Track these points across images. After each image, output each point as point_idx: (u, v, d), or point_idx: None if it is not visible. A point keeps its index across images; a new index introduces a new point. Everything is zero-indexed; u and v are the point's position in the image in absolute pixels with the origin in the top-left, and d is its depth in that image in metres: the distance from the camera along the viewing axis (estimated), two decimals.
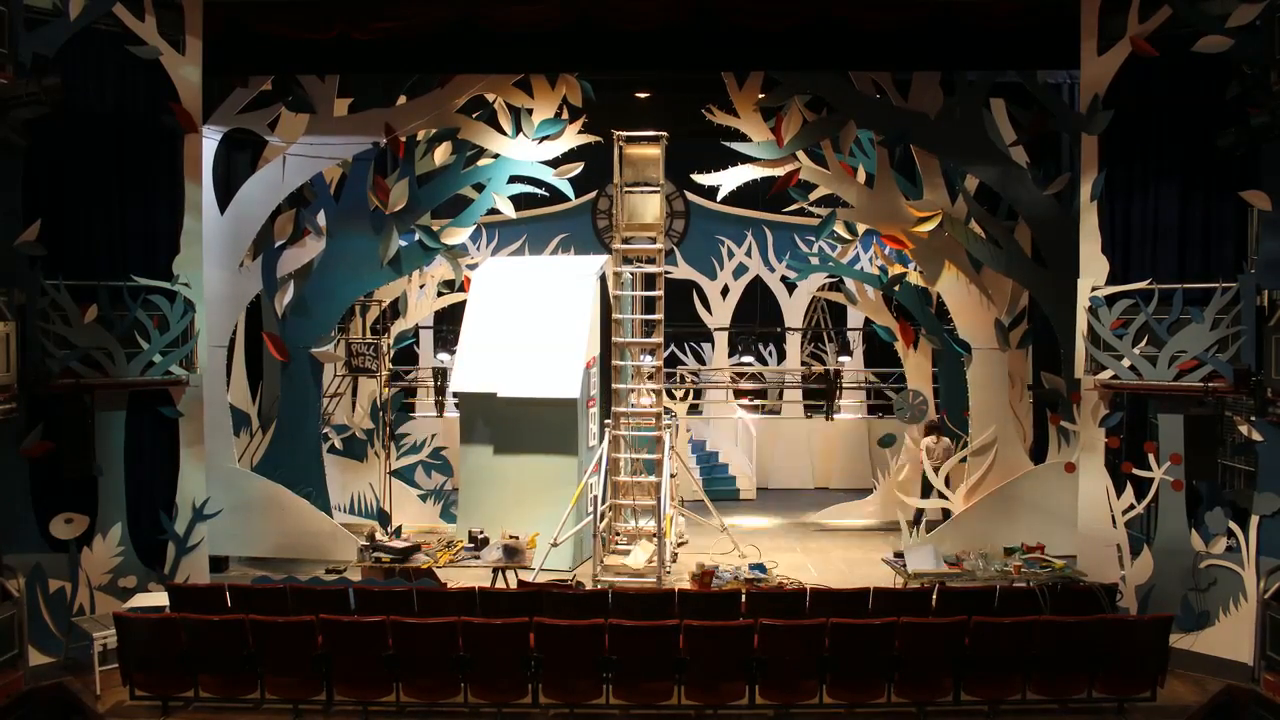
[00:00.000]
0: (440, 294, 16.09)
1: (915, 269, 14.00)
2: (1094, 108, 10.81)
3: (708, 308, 19.02)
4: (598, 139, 13.50)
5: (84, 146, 10.54)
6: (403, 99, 13.09)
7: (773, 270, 18.74)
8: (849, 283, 15.74)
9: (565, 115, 13.27)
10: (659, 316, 12.62)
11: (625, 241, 12.67)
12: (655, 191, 12.35)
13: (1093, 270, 10.91)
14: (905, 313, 15.37)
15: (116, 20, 10.35)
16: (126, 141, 10.78)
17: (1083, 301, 10.90)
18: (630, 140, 12.48)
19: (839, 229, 15.26)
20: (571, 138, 13.41)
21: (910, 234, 13.21)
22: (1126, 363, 10.45)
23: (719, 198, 14.49)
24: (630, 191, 12.47)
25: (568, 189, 13.79)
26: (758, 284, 19.01)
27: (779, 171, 13.62)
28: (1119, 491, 10.80)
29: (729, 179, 13.78)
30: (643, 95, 15.65)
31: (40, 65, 9.61)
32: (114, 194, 10.75)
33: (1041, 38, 11.23)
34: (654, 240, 12.75)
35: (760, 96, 13.09)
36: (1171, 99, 10.58)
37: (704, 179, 14.02)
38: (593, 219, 18.88)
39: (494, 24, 11.09)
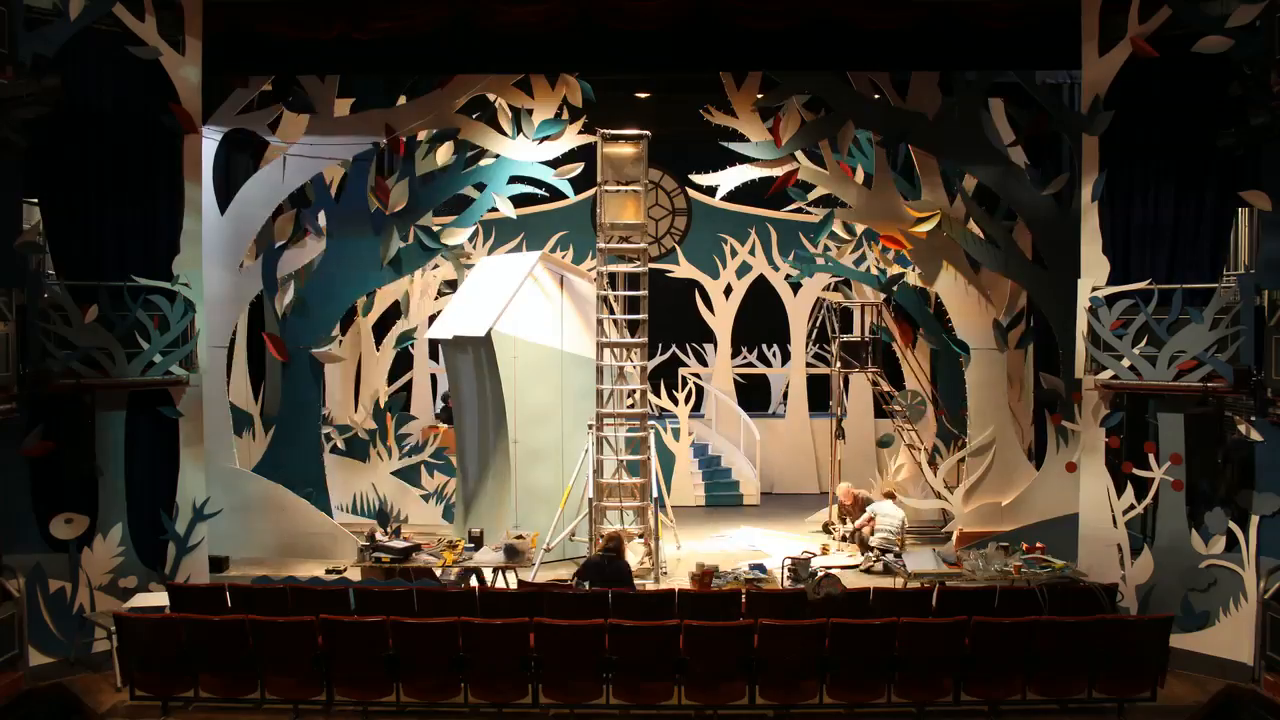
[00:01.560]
0: (441, 294, 16.09)
1: (913, 269, 13.98)
2: (1095, 108, 10.81)
3: (710, 307, 18.98)
4: (597, 139, 13.49)
5: (84, 146, 10.54)
6: (403, 99, 13.07)
7: (777, 269, 18.69)
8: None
9: (565, 115, 13.26)
10: (643, 316, 12.53)
11: (608, 241, 12.60)
12: (635, 191, 12.25)
13: (1093, 271, 10.91)
14: (904, 313, 15.36)
15: (116, 20, 10.35)
16: (126, 141, 10.77)
17: (1083, 302, 10.90)
18: (610, 139, 12.37)
19: (838, 229, 15.27)
20: (572, 138, 13.42)
21: (908, 234, 13.20)
22: (1126, 363, 10.46)
23: (718, 196, 14.47)
24: (610, 191, 12.33)
25: (568, 189, 13.82)
26: (761, 283, 18.95)
27: (777, 172, 13.60)
28: (1119, 491, 10.81)
29: (727, 179, 13.77)
30: (643, 95, 15.64)
31: (40, 65, 9.64)
32: (114, 194, 10.74)
33: (1041, 38, 11.22)
34: (636, 239, 12.61)
35: (759, 97, 13.08)
36: (1171, 99, 10.57)
37: (703, 179, 14.00)
38: (592, 216, 18.78)
39: (494, 24, 11.08)
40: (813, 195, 14.45)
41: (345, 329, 15.42)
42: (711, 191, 18.73)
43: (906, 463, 15.33)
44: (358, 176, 13.24)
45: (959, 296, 13.52)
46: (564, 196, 14.63)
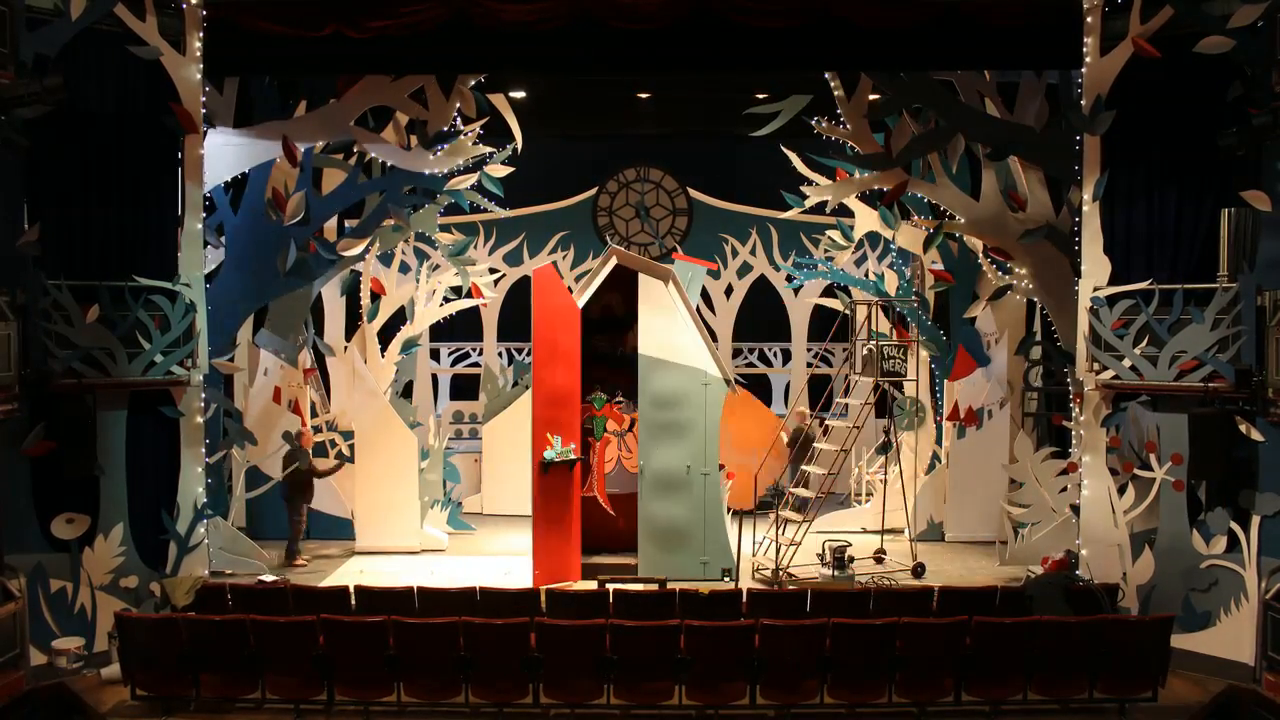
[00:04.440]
0: (447, 300, 16.02)
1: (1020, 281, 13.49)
2: (1097, 108, 10.80)
3: (711, 307, 18.98)
4: (493, 149, 13.19)
5: (85, 146, 10.54)
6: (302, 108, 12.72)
7: (778, 269, 18.69)
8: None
9: (462, 125, 12.90)
10: None
11: None
12: None
13: (1095, 271, 10.90)
14: (901, 319, 15.29)
15: (117, 20, 10.35)
16: (127, 141, 10.76)
17: (1084, 302, 10.90)
18: None
19: (835, 235, 15.24)
20: (470, 148, 12.97)
21: (1014, 246, 12.66)
22: (1127, 363, 10.46)
23: (827, 210, 14.10)
24: None
25: (462, 201, 13.52)
26: (762, 283, 18.94)
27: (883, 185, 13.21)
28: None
29: (834, 194, 13.49)
30: (643, 95, 15.60)
31: (42, 65, 9.64)
32: (114, 194, 10.73)
33: (1043, 37, 11.19)
34: None
35: (873, 98, 12.75)
36: (1173, 99, 10.57)
37: (811, 192, 13.70)
38: (593, 216, 18.84)
39: (492, 23, 11.02)
40: (853, 204, 14.15)
41: (350, 335, 15.34)
42: (716, 189, 18.80)
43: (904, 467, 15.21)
44: (254, 187, 12.78)
45: (1067, 309, 12.31)
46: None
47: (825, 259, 15.85)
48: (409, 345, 15.52)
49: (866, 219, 14.28)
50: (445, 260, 15.14)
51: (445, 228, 14.75)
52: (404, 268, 16.04)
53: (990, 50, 11.60)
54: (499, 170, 13.64)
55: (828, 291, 17.65)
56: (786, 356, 19.46)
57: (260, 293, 12.84)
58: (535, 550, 12.33)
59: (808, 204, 13.82)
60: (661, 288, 12.80)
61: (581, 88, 15.37)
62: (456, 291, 15.84)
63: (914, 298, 14.81)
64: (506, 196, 14.33)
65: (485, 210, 14.23)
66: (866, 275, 15.72)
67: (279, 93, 12.75)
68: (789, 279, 18.02)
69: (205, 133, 11.28)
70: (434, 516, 14.80)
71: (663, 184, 18.81)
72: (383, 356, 15.16)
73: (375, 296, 15.09)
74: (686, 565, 12.42)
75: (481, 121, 12.98)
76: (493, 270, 17.89)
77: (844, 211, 14.54)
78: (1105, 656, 8.85)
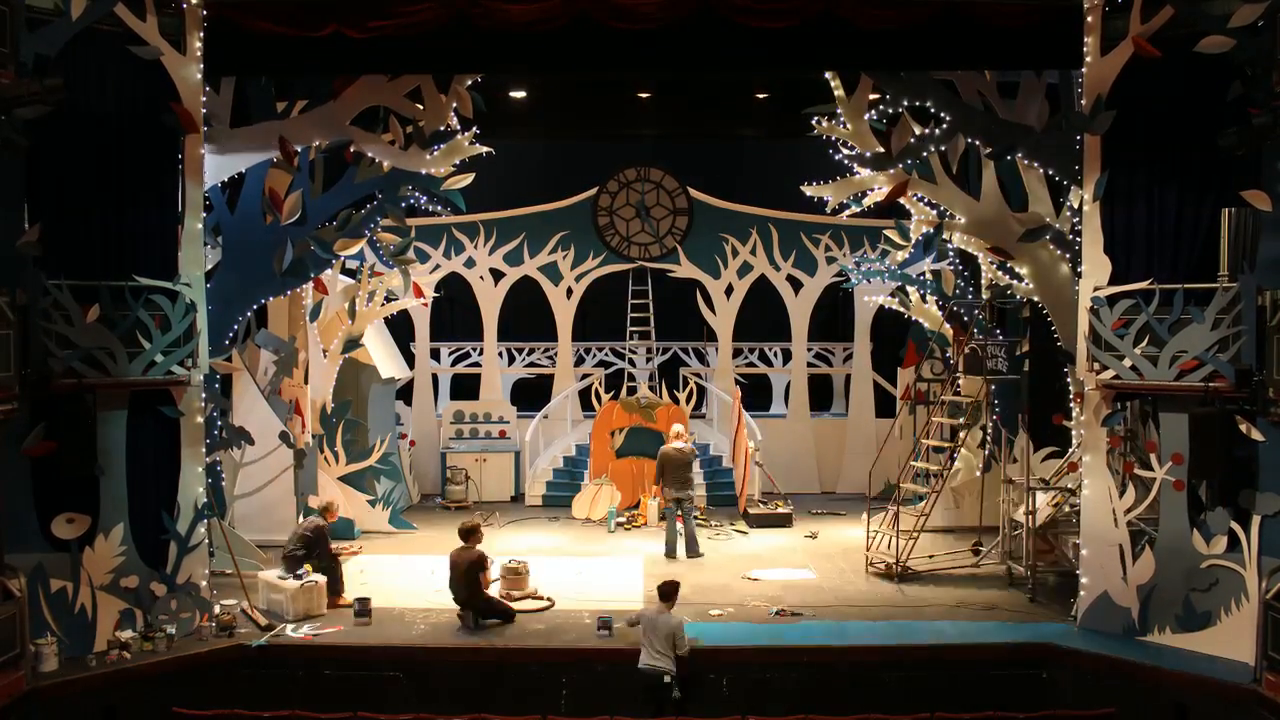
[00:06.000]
0: (390, 299, 15.99)
1: (1024, 283, 13.43)
2: (1097, 108, 10.79)
3: (711, 307, 18.99)
4: (490, 150, 13.09)
5: (85, 146, 10.53)
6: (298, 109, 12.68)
7: (778, 269, 18.71)
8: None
9: (459, 126, 12.89)
10: None
11: None
12: None
13: (1095, 271, 10.90)
14: (958, 318, 15.23)
15: (117, 20, 10.36)
16: (126, 141, 10.76)
17: (1085, 302, 10.89)
18: None
19: (892, 235, 15.22)
20: (466, 148, 12.96)
21: (1015, 247, 12.64)
22: (1128, 363, 10.45)
23: (828, 210, 14.04)
24: None
25: (459, 201, 13.46)
26: (762, 283, 18.94)
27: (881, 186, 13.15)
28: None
29: (838, 191, 13.44)
30: (644, 95, 15.60)
31: (42, 65, 9.64)
32: (114, 194, 10.73)
33: (1044, 37, 11.19)
34: None
35: (872, 97, 12.70)
36: (1173, 99, 10.57)
37: (811, 191, 13.67)
38: (593, 216, 18.84)
39: (492, 23, 11.01)
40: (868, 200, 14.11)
41: None
42: (716, 189, 18.82)
43: (963, 467, 15.18)
44: (251, 187, 12.82)
45: (1066, 308, 12.40)
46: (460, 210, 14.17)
47: (880, 257, 15.82)
48: (350, 346, 15.48)
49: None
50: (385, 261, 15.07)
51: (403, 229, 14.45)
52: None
53: (990, 50, 11.56)
54: (459, 182, 13.34)
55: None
56: (787, 356, 19.47)
57: (257, 293, 12.85)
58: None
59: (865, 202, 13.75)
60: None
61: (582, 88, 15.38)
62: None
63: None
64: (508, 195, 14.34)
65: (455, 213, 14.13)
66: (922, 275, 15.66)
67: (274, 93, 12.72)
68: (844, 279, 17.82)
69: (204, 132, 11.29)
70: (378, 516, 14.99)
71: (663, 184, 18.81)
72: (325, 357, 15.16)
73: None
74: None
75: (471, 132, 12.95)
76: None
77: (900, 212, 14.49)
78: None
